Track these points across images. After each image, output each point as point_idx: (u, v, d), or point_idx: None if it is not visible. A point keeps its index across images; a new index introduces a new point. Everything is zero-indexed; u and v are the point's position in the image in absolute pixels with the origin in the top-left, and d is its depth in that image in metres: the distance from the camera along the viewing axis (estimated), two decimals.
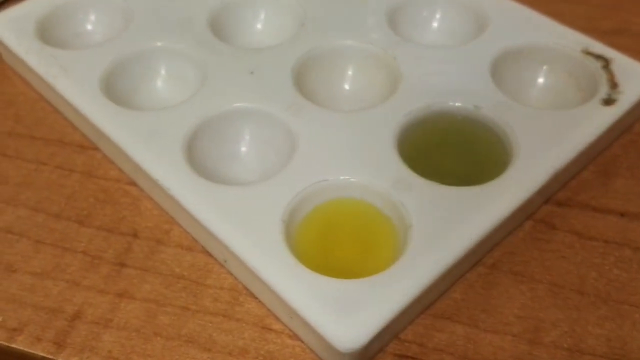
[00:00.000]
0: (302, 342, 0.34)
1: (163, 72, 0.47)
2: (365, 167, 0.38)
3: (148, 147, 0.40)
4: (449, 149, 0.42)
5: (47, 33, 0.49)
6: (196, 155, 0.40)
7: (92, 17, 0.51)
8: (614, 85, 0.42)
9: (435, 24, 0.50)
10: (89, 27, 0.51)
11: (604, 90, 0.42)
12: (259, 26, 0.51)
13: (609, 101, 0.41)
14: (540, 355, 0.34)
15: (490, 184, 0.37)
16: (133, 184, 0.42)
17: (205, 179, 0.38)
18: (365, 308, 0.32)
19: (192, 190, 0.38)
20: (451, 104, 0.42)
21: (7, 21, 0.49)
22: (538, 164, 0.38)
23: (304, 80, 0.45)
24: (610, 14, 0.53)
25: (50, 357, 0.34)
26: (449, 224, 0.35)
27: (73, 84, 0.44)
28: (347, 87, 0.46)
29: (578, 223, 0.39)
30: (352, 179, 0.38)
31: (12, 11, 0.49)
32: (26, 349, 0.35)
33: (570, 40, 0.45)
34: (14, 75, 0.50)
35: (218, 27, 0.48)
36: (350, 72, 0.47)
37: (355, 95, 0.46)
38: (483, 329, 0.35)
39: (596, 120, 0.40)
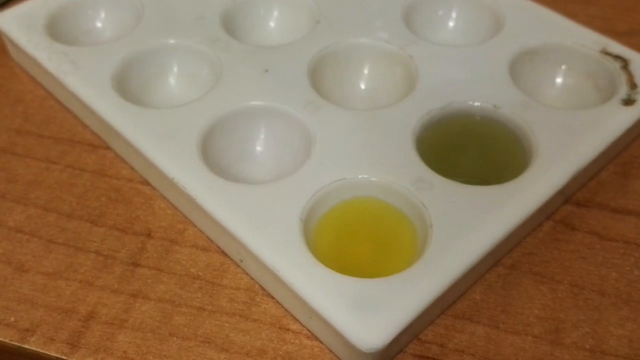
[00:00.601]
0: (321, 342, 0.35)
1: (175, 69, 0.47)
2: (384, 166, 0.39)
3: (163, 146, 0.40)
4: (468, 149, 0.42)
5: (56, 30, 0.49)
6: (211, 154, 0.40)
7: (102, 14, 0.51)
8: (633, 85, 0.42)
9: (451, 23, 0.51)
10: (99, 24, 0.51)
11: (623, 91, 0.42)
12: (272, 24, 0.51)
13: (628, 101, 0.42)
14: (562, 356, 0.34)
15: (511, 184, 0.37)
16: (146, 183, 0.42)
17: (222, 177, 0.39)
18: (386, 307, 0.32)
19: (209, 189, 0.38)
20: (470, 103, 0.42)
21: (15, 17, 0.49)
22: (558, 164, 0.38)
23: (319, 79, 0.45)
24: (625, 15, 0.54)
25: (64, 357, 0.34)
26: (469, 224, 0.36)
27: (84, 80, 0.44)
28: (362, 85, 0.47)
29: (598, 224, 0.40)
30: (372, 178, 0.38)
31: (20, 7, 0.50)
32: (39, 350, 0.35)
33: (589, 40, 0.46)
34: (22, 72, 0.50)
35: (231, 25, 0.49)
36: (366, 71, 0.47)
37: (371, 93, 0.46)
38: (503, 329, 0.35)
39: (616, 120, 0.41)
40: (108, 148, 0.44)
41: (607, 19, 0.53)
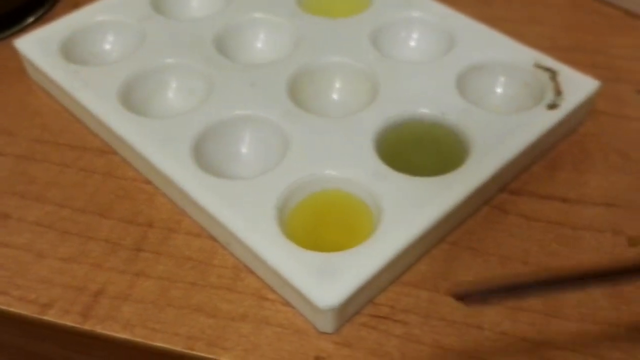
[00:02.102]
0: (293, 307, 0.38)
1: (174, 85, 0.51)
2: (347, 163, 0.42)
3: (162, 150, 0.43)
4: (419, 148, 0.46)
5: (70, 52, 0.52)
6: (204, 156, 0.44)
7: (110, 38, 0.55)
8: (558, 92, 0.46)
9: (412, 43, 0.54)
10: (107, 46, 0.55)
11: (549, 97, 0.46)
12: (259, 45, 0.54)
13: (552, 106, 0.45)
14: (488, 312, 0.38)
15: (449, 175, 0.41)
16: (148, 182, 0.45)
17: (212, 175, 0.42)
18: (342, 275, 0.36)
19: (201, 185, 0.41)
20: (421, 110, 0.46)
21: (34, 41, 0.52)
22: (490, 158, 0.42)
23: (298, 91, 0.48)
24: (568, 33, 0.57)
25: (78, 326, 0.38)
26: (414, 207, 0.39)
27: (94, 95, 0.47)
28: (335, 97, 0.50)
29: (526, 208, 0.43)
30: (336, 173, 0.42)
31: (38, 33, 0.53)
32: (56, 320, 0.38)
33: (525, 55, 0.49)
34: (39, 89, 0.53)
35: (223, 46, 0.52)
36: (337, 85, 0.51)
37: (342, 104, 0.50)
38: (443, 293, 0.39)
39: (540, 122, 0.44)
40: (115, 153, 0.47)
41: (552, 37, 0.56)
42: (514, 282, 0.31)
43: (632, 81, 0.53)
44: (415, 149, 0.46)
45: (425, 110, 0.46)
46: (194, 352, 0.37)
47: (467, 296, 0.32)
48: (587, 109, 0.48)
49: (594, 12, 0.60)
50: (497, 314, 0.38)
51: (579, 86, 0.47)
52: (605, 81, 0.48)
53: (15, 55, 0.54)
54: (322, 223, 0.42)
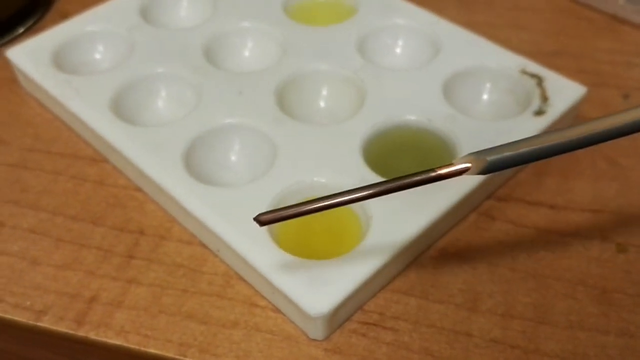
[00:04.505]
0: (283, 314, 0.39)
1: (164, 93, 0.51)
2: (335, 170, 0.42)
3: (153, 158, 0.43)
4: (406, 155, 0.46)
5: (61, 62, 0.52)
6: (193, 164, 0.44)
7: (100, 47, 0.55)
8: (544, 99, 0.46)
9: (398, 50, 0.54)
10: (97, 56, 0.55)
11: (536, 104, 0.46)
12: (246, 53, 0.55)
13: (539, 112, 0.46)
14: (478, 319, 0.38)
15: (437, 183, 0.40)
16: (139, 190, 0.46)
17: (202, 183, 0.42)
18: (331, 282, 0.36)
19: (190, 192, 0.41)
20: (408, 117, 0.46)
21: (25, 52, 0.53)
22: None
23: (286, 99, 0.48)
24: (552, 38, 0.57)
25: (72, 332, 0.38)
26: (402, 214, 0.40)
27: (86, 104, 0.48)
28: (322, 104, 0.51)
29: (514, 214, 0.43)
30: (324, 180, 0.42)
31: (29, 43, 0.53)
32: (51, 327, 0.39)
33: (511, 61, 0.49)
34: (32, 99, 0.53)
35: (211, 55, 0.52)
36: (324, 92, 0.51)
37: (328, 111, 0.50)
38: (432, 300, 0.39)
39: (527, 129, 0.44)
40: (106, 161, 0.48)
41: (535, 42, 0.57)
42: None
43: (619, 86, 0.53)
44: (402, 155, 0.46)
45: (411, 117, 0.46)
46: (187, 359, 0.37)
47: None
48: (574, 115, 0.48)
49: (579, 17, 0.60)
50: (487, 322, 0.38)
51: (565, 92, 0.47)
52: (592, 86, 0.49)
53: (7, 65, 0.54)
54: (311, 230, 0.42)
